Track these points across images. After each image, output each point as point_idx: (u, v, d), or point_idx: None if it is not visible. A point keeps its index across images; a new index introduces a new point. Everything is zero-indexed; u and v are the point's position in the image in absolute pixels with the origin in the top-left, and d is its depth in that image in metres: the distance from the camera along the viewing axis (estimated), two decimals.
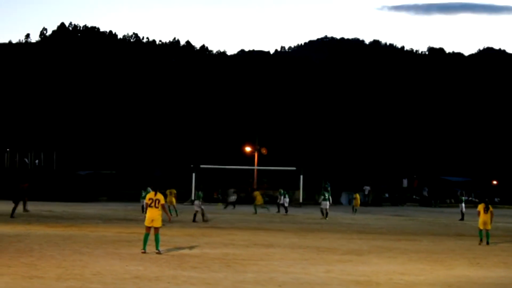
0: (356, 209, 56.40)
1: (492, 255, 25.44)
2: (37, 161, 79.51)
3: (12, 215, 38.24)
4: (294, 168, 73.97)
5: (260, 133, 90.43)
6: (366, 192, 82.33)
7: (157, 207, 22.02)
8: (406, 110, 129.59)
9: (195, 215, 39.05)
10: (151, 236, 21.96)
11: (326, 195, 45.82)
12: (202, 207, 38.99)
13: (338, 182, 78.37)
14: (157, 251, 21.80)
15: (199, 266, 19.27)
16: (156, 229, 21.97)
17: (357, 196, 59.61)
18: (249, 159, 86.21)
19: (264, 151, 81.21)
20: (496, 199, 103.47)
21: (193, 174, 69.79)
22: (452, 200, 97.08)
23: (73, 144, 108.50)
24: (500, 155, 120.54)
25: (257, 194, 54.40)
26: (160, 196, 22.37)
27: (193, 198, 55.82)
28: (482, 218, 29.83)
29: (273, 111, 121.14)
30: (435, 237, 34.33)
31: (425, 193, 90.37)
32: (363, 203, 78.64)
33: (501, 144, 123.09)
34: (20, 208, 40.57)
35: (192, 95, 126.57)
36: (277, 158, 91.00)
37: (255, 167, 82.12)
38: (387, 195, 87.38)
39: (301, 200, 70.41)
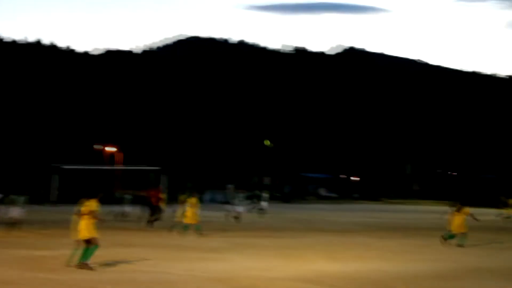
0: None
1: (348, 249, 26.15)
2: None
3: None
4: (158, 168, 73.60)
5: (118, 132, 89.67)
6: (230, 191, 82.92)
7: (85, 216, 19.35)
8: (267, 109, 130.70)
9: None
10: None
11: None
12: None
13: (201, 181, 78.57)
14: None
15: (57, 268, 18.92)
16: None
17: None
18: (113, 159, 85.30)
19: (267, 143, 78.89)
20: (355, 195, 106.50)
21: (55, 176, 68.56)
22: (313, 197, 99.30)
23: None
24: (360, 152, 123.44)
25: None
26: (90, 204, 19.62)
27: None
28: (452, 219, 29.02)
29: (133, 111, 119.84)
30: (295, 233, 34.94)
31: (287, 190, 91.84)
32: (226, 202, 79.11)
33: (360, 141, 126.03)
34: None
35: (51, 94, 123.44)
36: (139, 158, 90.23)
37: (115, 167, 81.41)
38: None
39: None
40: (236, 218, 42.23)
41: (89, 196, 19.75)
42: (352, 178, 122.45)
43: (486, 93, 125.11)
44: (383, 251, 26.03)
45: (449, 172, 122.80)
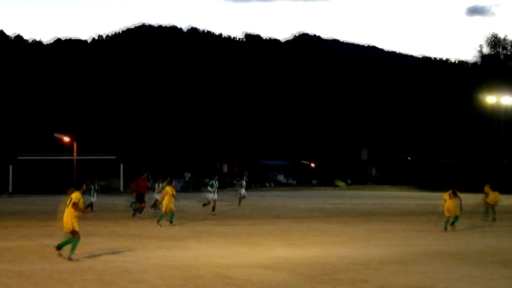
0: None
1: (308, 235, 26.18)
2: None
3: None
4: (114, 157, 73.30)
5: (71, 121, 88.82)
6: (187, 179, 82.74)
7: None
8: (227, 97, 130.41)
9: None
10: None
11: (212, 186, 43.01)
12: None
13: (158, 169, 78.03)
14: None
15: (15, 259, 18.73)
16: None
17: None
18: (66, 148, 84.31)
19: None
20: (314, 181, 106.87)
21: (10, 166, 67.92)
22: (272, 184, 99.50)
23: None
24: (317, 138, 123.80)
25: None
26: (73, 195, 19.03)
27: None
28: (447, 204, 29.01)
29: (85, 99, 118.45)
30: (254, 220, 34.97)
31: (245, 178, 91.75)
32: (185, 189, 78.86)
33: (317, 127, 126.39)
34: None
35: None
36: (96, 147, 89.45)
37: (74, 157, 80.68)
38: (207, 180, 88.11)
39: (121, 189, 69.92)
40: (205, 205, 41.40)
41: (73, 187, 19.41)
42: (311, 164, 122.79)
43: (439, 78, 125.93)
44: (343, 236, 26.13)
45: (408, 158, 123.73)
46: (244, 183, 50.38)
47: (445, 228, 28.84)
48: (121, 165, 70.67)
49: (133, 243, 23.13)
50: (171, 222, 30.85)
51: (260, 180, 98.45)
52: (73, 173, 78.83)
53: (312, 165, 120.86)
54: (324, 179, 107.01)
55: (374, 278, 15.68)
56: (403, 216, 39.20)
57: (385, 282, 15.12)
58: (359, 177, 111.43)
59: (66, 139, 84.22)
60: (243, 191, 49.06)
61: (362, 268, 17.28)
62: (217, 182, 41.72)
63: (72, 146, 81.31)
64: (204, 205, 41.19)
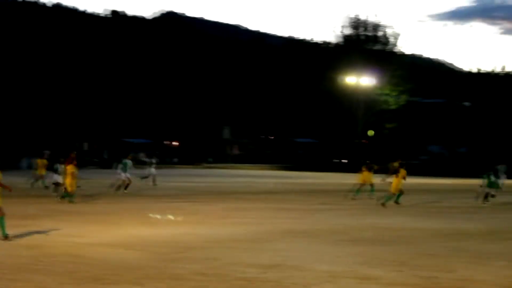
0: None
1: (164, 214, 26.24)
2: None
3: None
4: None
5: None
6: (46, 157, 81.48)
7: None
8: (86, 73, 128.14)
9: None
10: None
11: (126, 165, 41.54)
12: None
13: (18, 147, 76.32)
14: None
15: None
16: None
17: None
18: None
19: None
20: (175, 160, 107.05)
21: None
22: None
23: None
24: (179, 117, 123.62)
25: None
26: None
27: None
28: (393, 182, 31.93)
29: None
30: (112, 198, 34.85)
31: (105, 156, 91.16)
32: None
33: (179, 106, 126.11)
34: None
35: None
36: None
37: None
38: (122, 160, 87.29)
39: None
40: (120, 187, 40.41)
41: None
42: (173, 143, 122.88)
43: (301, 58, 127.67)
44: (199, 215, 26.41)
45: (269, 137, 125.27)
46: (155, 161, 50.24)
47: (384, 204, 31.24)
48: None
49: None
50: (70, 200, 30.91)
51: (120, 159, 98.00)
52: None
53: (174, 143, 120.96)
54: (186, 157, 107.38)
55: (226, 256, 15.95)
56: (260, 194, 39.91)
57: (236, 260, 15.41)
58: (221, 155, 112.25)
59: None
60: (153, 170, 48.78)
61: (215, 246, 17.57)
62: (131, 161, 41.34)
63: None
64: (119, 187, 40.24)
